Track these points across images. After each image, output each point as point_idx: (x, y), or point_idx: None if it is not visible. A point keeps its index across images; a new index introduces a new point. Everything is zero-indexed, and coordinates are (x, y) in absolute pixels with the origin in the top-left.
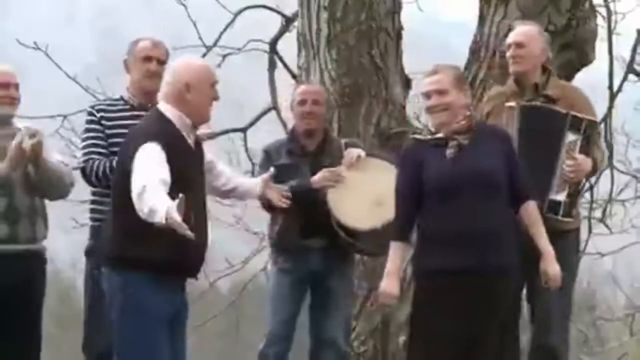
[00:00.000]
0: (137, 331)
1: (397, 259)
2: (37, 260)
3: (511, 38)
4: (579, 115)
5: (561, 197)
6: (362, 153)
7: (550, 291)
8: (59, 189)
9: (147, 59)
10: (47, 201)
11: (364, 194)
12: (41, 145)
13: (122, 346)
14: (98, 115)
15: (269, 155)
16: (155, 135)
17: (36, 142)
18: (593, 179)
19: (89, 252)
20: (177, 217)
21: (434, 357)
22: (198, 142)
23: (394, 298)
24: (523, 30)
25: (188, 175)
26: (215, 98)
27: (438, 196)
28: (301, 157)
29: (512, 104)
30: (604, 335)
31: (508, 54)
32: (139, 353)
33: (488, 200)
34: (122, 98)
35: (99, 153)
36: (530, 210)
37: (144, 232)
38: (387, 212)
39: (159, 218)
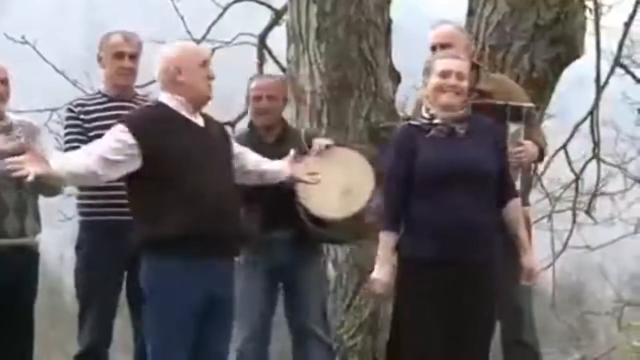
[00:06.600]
0: (160, 316)
1: (388, 249)
2: (27, 255)
3: (434, 40)
4: (517, 104)
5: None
6: (330, 142)
7: (517, 287)
8: (54, 188)
9: (119, 55)
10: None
11: (334, 183)
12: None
13: (146, 330)
14: (76, 110)
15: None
16: (129, 119)
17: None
18: (578, 170)
19: (78, 247)
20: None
21: (418, 343)
22: (213, 123)
23: (387, 287)
24: (444, 31)
25: (194, 149)
26: (210, 77)
27: (432, 185)
28: (261, 148)
29: None
30: (592, 328)
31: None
32: (157, 338)
33: (480, 193)
34: (99, 92)
35: (80, 148)
36: (518, 207)
37: (159, 211)
38: (357, 201)
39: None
